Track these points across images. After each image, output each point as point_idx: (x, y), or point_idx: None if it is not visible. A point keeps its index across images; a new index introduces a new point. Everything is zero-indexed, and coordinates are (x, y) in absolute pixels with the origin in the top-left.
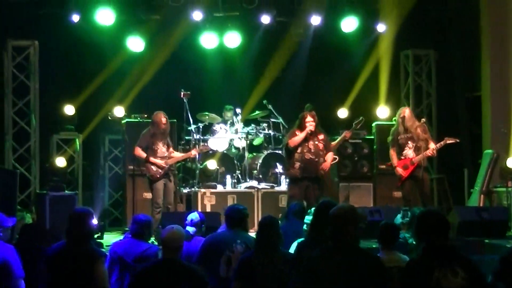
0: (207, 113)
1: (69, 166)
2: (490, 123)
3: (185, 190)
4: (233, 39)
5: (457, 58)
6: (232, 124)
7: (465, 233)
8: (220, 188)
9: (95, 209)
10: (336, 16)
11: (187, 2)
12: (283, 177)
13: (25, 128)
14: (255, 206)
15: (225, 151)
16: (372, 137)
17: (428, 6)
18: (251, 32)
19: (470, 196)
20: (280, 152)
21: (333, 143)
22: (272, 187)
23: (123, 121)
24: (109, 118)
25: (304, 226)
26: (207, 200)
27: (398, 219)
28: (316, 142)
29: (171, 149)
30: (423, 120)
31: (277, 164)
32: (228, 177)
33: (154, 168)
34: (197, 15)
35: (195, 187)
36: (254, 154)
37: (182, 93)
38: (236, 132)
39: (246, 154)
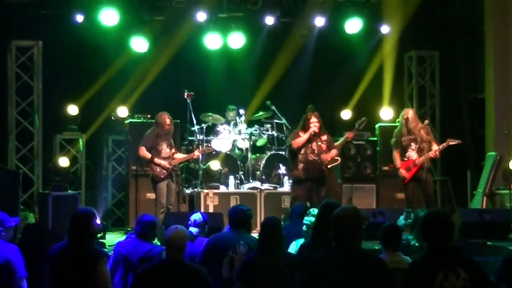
0: (210, 113)
1: (72, 166)
2: (493, 125)
3: (188, 191)
4: (237, 40)
5: (461, 59)
6: (236, 125)
7: (467, 235)
8: (223, 188)
9: (97, 209)
10: (340, 18)
11: (191, 3)
12: (286, 178)
13: (29, 128)
14: (258, 207)
15: (228, 152)
16: (376, 138)
17: (432, 8)
18: (255, 33)
19: (473, 198)
20: (283, 153)
21: (336, 144)
22: (275, 188)
23: (126, 122)
24: (113, 118)
25: (304, 227)
26: (210, 200)
27: (401, 220)
28: (319, 143)
29: (173, 150)
30: (427, 121)
31: (280, 165)
32: (231, 177)
33: (158, 168)
34: (201, 16)
35: (198, 187)
36: (257, 155)
37: (185, 93)
38: (240, 133)
39: (249, 155)
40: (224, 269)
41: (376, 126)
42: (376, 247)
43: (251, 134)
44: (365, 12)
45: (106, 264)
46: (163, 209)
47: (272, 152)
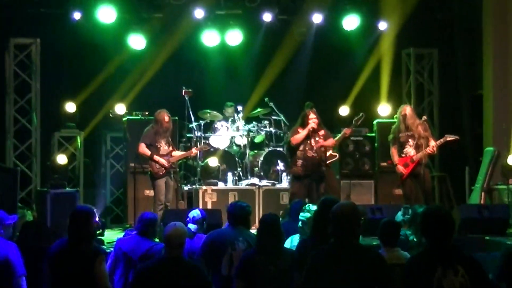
0: (208, 110)
1: (70, 163)
2: (491, 121)
3: (186, 188)
4: (235, 37)
5: (459, 56)
6: (234, 121)
7: (466, 231)
8: (221, 185)
9: (96, 207)
10: (338, 15)
11: (189, 0)
12: (284, 174)
13: (27, 126)
14: (257, 203)
15: (226, 149)
16: (374, 134)
17: (430, 5)
18: (253, 30)
19: (471, 193)
20: (281, 149)
21: (334, 140)
22: (273, 184)
23: (124, 119)
24: (111, 115)
25: (299, 223)
26: (208, 197)
27: (399, 216)
28: (317, 139)
29: (171, 148)
30: (424, 117)
31: (278, 161)
32: (230, 174)
33: (157, 165)
34: (199, 13)
35: (197, 184)
36: (256, 151)
37: (183, 90)
38: (238, 129)
39: (248, 151)
40: (223, 266)
41: (374, 122)
42: (375, 243)
43: (249, 131)
44: (363, 9)
45: (105, 262)
46: (161, 206)
47: (270, 149)
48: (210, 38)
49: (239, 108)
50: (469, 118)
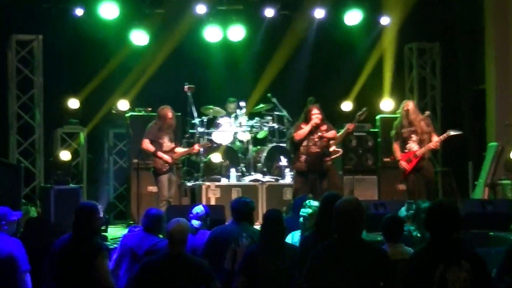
0: (211, 106)
1: (74, 159)
2: (494, 116)
3: (190, 184)
4: (237, 32)
5: (462, 51)
6: (236, 117)
7: (469, 226)
8: (224, 181)
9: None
10: (340, 9)
11: None
12: (287, 170)
13: (30, 122)
14: (260, 199)
15: (229, 145)
16: (377, 130)
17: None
18: (255, 25)
19: (474, 189)
20: (284, 145)
21: (337, 136)
22: (277, 180)
23: (127, 115)
24: (113, 111)
25: (301, 219)
26: (211, 193)
27: (403, 212)
28: (320, 134)
29: (174, 144)
30: (427, 113)
31: (282, 157)
32: (233, 170)
33: (161, 161)
34: (200, 9)
35: (200, 180)
36: (259, 147)
37: (186, 86)
38: (240, 125)
39: (251, 147)
40: (227, 262)
41: (377, 117)
42: (378, 239)
43: (252, 127)
44: (365, 4)
45: (107, 258)
46: (165, 202)
47: (273, 145)
48: (212, 33)
49: (242, 104)
50: (471, 113)
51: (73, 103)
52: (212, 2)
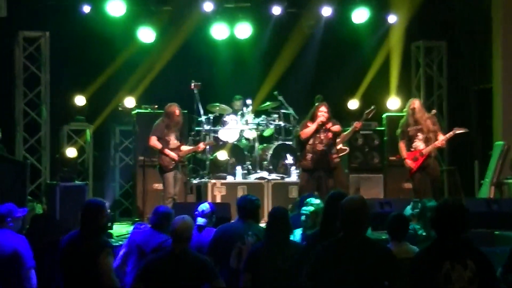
0: (217, 104)
1: (80, 156)
2: (501, 114)
3: (195, 181)
4: (244, 30)
5: (468, 49)
6: (243, 115)
7: (475, 225)
8: (230, 179)
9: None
10: (347, 7)
11: None
12: (293, 168)
13: (36, 119)
14: (265, 197)
15: (235, 142)
16: (383, 128)
17: None
18: (262, 23)
19: (480, 188)
20: (290, 143)
21: (344, 134)
22: (282, 178)
23: (133, 112)
24: (120, 109)
25: (303, 217)
26: (217, 191)
27: (408, 210)
28: (326, 132)
29: (179, 142)
30: (434, 111)
31: (288, 155)
32: (239, 168)
33: (167, 159)
34: (208, 6)
35: (206, 178)
36: (265, 145)
37: (192, 84)
38: (247, 123)
39: (257, 145)
40: (232, 260)
41: (384, 116)
42: (384, 237)
43: (258, 124)
44: (372, 2)
45: (111, 255)
46: (171, 199)
47: (279, 142)
48: (219, 31)
49: (248, 101)
50: (478, 111)
51: (80, 100)
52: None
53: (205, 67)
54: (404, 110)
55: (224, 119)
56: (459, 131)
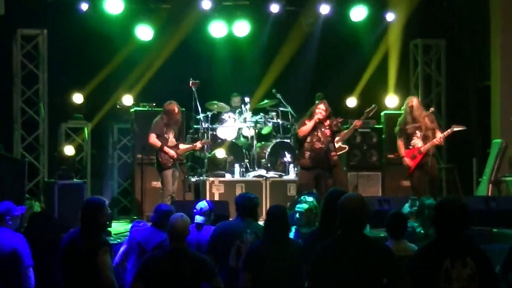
0: (215, 102)
1: (78, 154)
2: (499, 112)
3: (194, 179)
4: (242, 28)
5: (467, 47)
6: (241, 113)
7: (473, 223)
8: (228, 177)
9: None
10: (345, 5)
11: None
12: (291, 166)
13: (34, 117)
14: (264, 195)
15: (233, 140)
16: (381, 126)
17: None
18: (260, 21)
19: (478, 185)
20: (288, 141)
21: (343, 132)
22: (281, 176)
23: (131, 110)
24: (118, 107)
25: (297, 215)
26: (215, 189)
27: (406, 208)
28: (324, 130)
29: (177, 140)
30: (432, 109)
31: (286, 153)
32: (237, 166)
33: (166, 156)
34: (206, 4)
35: (204, 175)
36: (263, 143)
37: (191, 82)
38: (245, 121)
39: (255, 143)
40: (231, 258)
41: (382, 113)
42: (382, 235)
43: (256, 122)
44: (371, 0)
45: (108, 253)
46: (170, 197)
47: (277, 140)
48: (217, 29)
49: (246, 99)
50: (476, 109)
51: (78, 98)
52: None
53: (203, 65)
54: (402, 108)
55: (222, 117)
56: (457, 128)
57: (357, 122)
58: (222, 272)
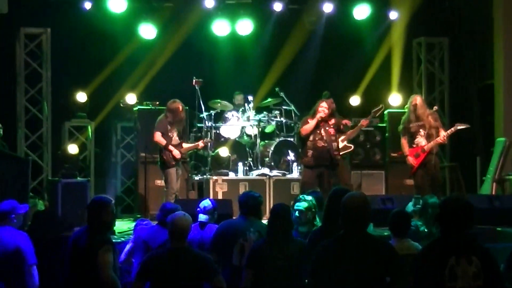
0: (219, 100)
1: (81, 153)
2: (502, 111)
3: (197, 178)
4: (245, 26)
5: (470, 45)
6: (244, 111)
7: (476, 221)
8: (232, 175)
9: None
10: (349, 4)
11: None
12: (295, 164)
13: (38, 116)
14: (267, 193)
15: (237, 139)
16: (385, 125)
17: None
18: (263, 19)
19: (482, 184)
20: (292, 139)
21: (349, 131)
22: (284, 174)
23: (135, 109)
24: (121, 105)
25: (296, 213)
26: (219, 187)
27: (410, 206)
28: (327, 128)
29: (180, 139)
30: (435, 108)
31: (289, 151)
32: (240, 164)
33: (170, 155)
34: (209, 3)
35: (207, 174)
36: (266, 141)
37: (194, 80)
38: (248, 119)
39: (258, 141)
40: (235, 256)
41: (385, 112)
42: (385, 234)
43: (259, 121)
44: None
45: (109, 251)
46: (174, 195)
47: (280, 139)
48: (220, 27)
49: (250, 98)
50: (480, 108)
51: (81, 97)
52: None
53: (206, 64)
54: (406, 106)
55: (226, 115)
56: (460, 127)
57: (363, 122)
58: (225, 271)
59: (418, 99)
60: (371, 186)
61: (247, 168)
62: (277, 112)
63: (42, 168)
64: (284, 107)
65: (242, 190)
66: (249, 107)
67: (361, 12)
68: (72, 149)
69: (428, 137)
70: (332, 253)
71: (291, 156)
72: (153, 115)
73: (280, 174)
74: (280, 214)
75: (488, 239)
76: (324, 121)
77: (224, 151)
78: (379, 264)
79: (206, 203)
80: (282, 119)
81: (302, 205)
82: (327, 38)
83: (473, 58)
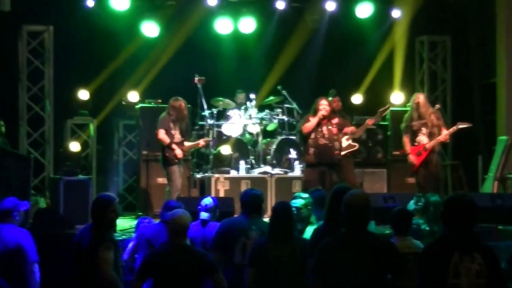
0: (221, 98)
1: (83, 151)
2: (505, 109)
3: (199, 175)
4: (248, 24)
5: (473, 44)
6: (246, 109)
7: (478, 220)
8: (233, 173)
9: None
10: (351, 2)
11: None
12: (296, 162)
13: (40, 113)
14: (269, 191)
15: (239, 137)
16: (387, 123)
17: None
18: (266, 17)
19: (484, 182)
20: (294, 137)
21: (356, 130)
22: (286, 172)
23: (137, 106)
24: (124, 103)
25: (293, 210)
26: (220, 185)
27: (411, 205)
28: (330, 127)
29: (183, 137)
30: (438, 106)
31: (291, 149)
32: (242, 162)
33: (173, 152)
34: (212, 1)
35: (209, 172)
36: (268, 139)
37: (196, 78)
38: (250, 117)
39: (260, 139)
40: (237, 254)
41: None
42: (387, 232)
43: (261, 119)
44: None
45: (109, 248)
46: (178, 192)
47: (282, 137)
48: (223, 25)
49: (252, 96)
50: (482, 106)
51: (83, 95)
52: None
53: (209, 62)
54: (408, 104)
55: (228, 113)
56: (462, 125)
57: (369, 121)
58: (227, 269)
59: (421, 97)
60: (373, 184)
61: (249, 166)
62: (279, 110)
63: (44, 165)
64: (286, 105)
65: (243, 188)
66: (251, 105)
67: (364, 11)
68: (74, 147)
69: (430, 136)
70: (333, 251)
71: (293, 154)
72: (155, 113)
73: (282, 172)
74: (282, 212)
75: (490, 238)
76: (326, 119)
77: (226, 149)
78: (380, 262)
79: (207, 201)
80: (284, 117)
81: (298, 202)
82: (330, 37)
83: (475, 57)
